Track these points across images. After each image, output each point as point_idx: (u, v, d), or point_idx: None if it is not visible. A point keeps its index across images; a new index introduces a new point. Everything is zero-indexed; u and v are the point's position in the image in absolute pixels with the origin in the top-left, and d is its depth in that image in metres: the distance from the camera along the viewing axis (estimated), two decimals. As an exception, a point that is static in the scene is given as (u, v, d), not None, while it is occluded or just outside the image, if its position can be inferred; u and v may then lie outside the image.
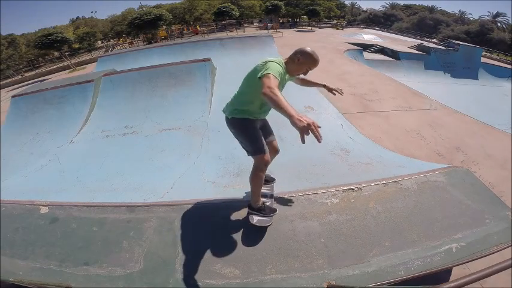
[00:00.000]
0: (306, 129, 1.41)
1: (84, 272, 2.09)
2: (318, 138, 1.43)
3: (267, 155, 2.21)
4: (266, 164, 2.21)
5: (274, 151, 2.65)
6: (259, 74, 1.85)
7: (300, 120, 1.42)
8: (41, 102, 6.95)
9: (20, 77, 24.06)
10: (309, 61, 2.12)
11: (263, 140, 2.27)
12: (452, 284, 0.96)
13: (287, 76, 2.18)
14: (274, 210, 2.44)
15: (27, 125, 6.57)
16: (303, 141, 1.44)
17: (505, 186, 3.99)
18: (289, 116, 1.48)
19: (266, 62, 1.95)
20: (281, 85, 2.09)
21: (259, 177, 2.24)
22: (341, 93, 2.41)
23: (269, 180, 2.89)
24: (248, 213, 2.43)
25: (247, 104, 2.19)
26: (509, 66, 17.06)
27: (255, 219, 2.35)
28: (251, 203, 2.40)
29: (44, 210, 2.73)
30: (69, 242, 2.36)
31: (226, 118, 2.35)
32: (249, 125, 2.24)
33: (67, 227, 2.51)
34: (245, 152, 2.41)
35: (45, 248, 2.32)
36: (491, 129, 5.85)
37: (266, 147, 2.25)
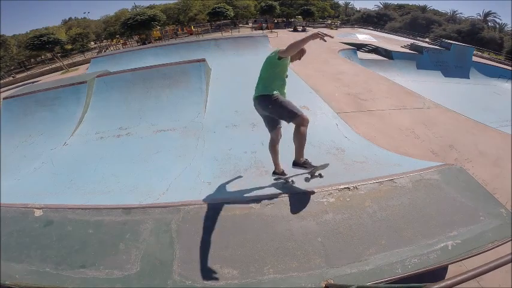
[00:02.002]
0: (315, 35, 2.30)
1: (81, 275, 2.07)
2: (329, 35, 2.30)
3: (305, 114, 2.69)
4: (308, 121, 2.68)
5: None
6: (276, 54, 2.65)
7: (311, 34, 2.31)
8: (33, 104, 6.86)
9: (11, 78, 23.71)
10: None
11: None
12: (449, 282, 0.97)
13: (288, 61, 2.79)
14: (314, 166, 2.90)
15: (19, 127, 6.48)
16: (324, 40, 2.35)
17: (498, 183, 4.04)
18: (308, 38, 2.32)
19: (274, 50, 2.72)
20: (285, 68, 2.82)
21: (304, 133, 2.70)
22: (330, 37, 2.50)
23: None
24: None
25: (271, 83, 2.77)
26: (500, 65, 17.32)
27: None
28: (296, 160, 2.92)
29: (38, 213, 2.69)
30: (65, 244, 2.34)
31: (260, 97, 2.81)
32: (281, 97, 2.76)
33: (62, 230, 2.49)
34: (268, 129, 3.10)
35: (40, 251, 2.30)
36: (484, 127, 5.92)
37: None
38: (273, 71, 2.74)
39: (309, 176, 2.94)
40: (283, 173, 3.19)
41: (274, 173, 3.24)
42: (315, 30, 2.32)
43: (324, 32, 2.27)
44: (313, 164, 2.93)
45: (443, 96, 10.29)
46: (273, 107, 2.72)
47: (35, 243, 2.37)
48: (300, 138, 2.74)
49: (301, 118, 2.63)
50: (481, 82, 14.89)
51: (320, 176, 2.93)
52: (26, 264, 2.18)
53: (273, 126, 3.02)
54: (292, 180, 3.08)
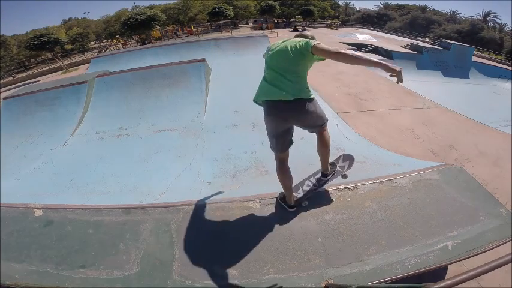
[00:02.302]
0: (401, 73, 1.74)
1: (81, 275, 2.07)
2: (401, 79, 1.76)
3: None
4: None
5: None
6: (308, 46, 1.94)
7: (395, 68, 1.76)
8: (33, 104, 6.86)
9: (11, 78, 23.73)
10: None
11: None
12: (449, 282, 0.97)
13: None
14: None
15: (19, 127, 6.47)
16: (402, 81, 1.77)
17: (498, 183, 4.04)
18: (376, 65, 1.76)
19: (303, 40, 2.03)
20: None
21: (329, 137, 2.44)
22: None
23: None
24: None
25: (305, 82, 2.14)
26: (500, 65, 17.33)
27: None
28: (324, 171, 2.72)
29: (38, 213, 2.69)
30: (65, 244, 2.34)
31: (300, 102, 2.06)
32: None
33: (62, 230, 2.48)
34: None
35: (40, 251, 2.29)
36: (483, 127, 5.93)
37: None
38: (304, 68, 2.08)
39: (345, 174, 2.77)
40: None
41: (286, 203, 2.55)
42: (398, 68, 1.76)
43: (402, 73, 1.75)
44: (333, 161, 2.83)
45: (443, 96, 10.29)
46: (317, 114, 2.19)
47: (35, 243, 2.37)
48: (328, 145, 2.43)
49: (327, 122, 2.36)
50: (481, 82, 14.88)
51: (344, 176, 2.78)
52: (26, 264, 2.18)
53: (289, 142, 2.31)
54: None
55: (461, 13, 54.07)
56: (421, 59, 15.83)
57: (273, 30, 31.14)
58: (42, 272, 2.12)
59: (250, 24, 45.49)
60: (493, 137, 5.46)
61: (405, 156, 4.23)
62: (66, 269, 2.12)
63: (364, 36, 25.41)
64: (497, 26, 44.54)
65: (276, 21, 42.32)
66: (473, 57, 16.93)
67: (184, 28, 42.53)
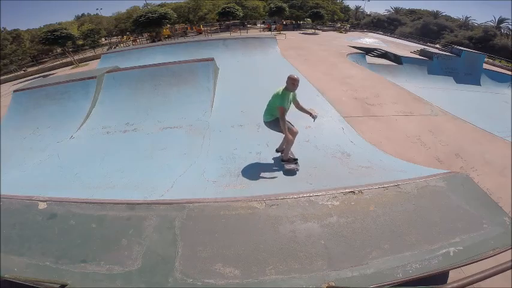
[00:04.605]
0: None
1: (81, 270, 2.08)
2: None
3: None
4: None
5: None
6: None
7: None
8: (42, 97, 6.97)
9: (22, 71, 24.11)
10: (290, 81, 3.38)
11: None
12: (449, 286, 0.97)
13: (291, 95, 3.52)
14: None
15: (27, 119, 6.58)
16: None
17: (503, 192, 3.99)
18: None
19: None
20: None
21: None
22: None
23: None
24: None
25: None
26: (510, 73, 17.06)
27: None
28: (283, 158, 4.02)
29: (42, 206, 2.73)
30: (67, 238, 2.36)
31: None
32: None
33: (65, 224, 2.51)
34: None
35: (41, 244, 2.31)
36: (491, 136, 5.85)
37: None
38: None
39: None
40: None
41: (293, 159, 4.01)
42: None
43: None
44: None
45: (452, 103, 10.17)
46: None
47: (36, 237, 2.39)
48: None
49: None
50: (491, 90, 14.66)
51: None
52: (26, 257, 2.20)
53: None
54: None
55: (474, 19, 53.40)
56: (431, 65, 15.64)
57: (281, 32, 31.10)
58: (42, 265, 2.13)
59: (259, 25, 45.52)
60: (500, 147, 5.38)
61: (410, 163, 4.21)
62: (67, 263, 2.13)
63: (373, 40, 25.29)
64: (511, 33, 43.86)
65: (284, 23, 42.20)
66: (484, 64, 16.70)
67: (194, 27, 42.74)
